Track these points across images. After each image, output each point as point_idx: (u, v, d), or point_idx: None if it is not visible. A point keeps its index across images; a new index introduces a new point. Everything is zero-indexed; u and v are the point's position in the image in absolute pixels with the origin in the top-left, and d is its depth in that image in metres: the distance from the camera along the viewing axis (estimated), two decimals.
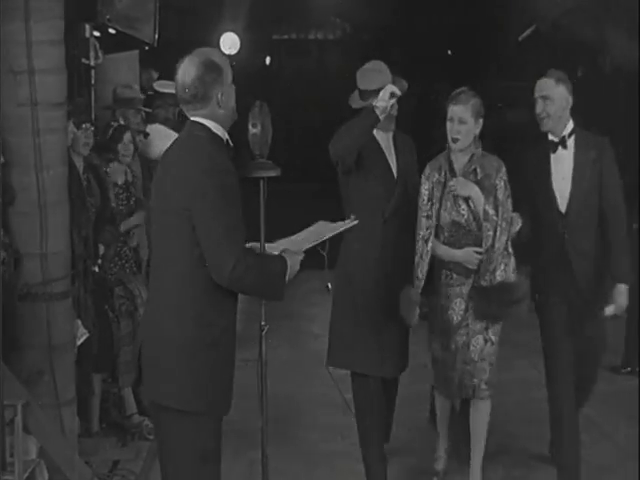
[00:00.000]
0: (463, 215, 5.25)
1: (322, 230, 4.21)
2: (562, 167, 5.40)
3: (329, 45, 20.67)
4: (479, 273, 5.21)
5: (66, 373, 5.49)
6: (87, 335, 5.81)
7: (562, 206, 5.40)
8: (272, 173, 4.04)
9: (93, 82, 7.14)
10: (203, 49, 3.86)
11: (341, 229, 4.29)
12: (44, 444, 5.11)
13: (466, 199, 5.21)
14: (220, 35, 14.42)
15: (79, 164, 6.09)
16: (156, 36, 7.66)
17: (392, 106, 5.27)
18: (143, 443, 6.14)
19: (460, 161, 5.30)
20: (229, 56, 13.75)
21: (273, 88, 17.55)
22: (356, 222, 4.50)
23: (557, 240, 5.41)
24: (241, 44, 14.34)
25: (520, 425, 6.45)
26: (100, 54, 7.10)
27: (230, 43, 14.32)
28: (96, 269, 6.15)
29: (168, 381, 3.78)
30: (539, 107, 5.39)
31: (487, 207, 5.16)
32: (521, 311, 5.23)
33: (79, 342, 5.73)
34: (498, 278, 5.18)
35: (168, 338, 3.78)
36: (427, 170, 5.34)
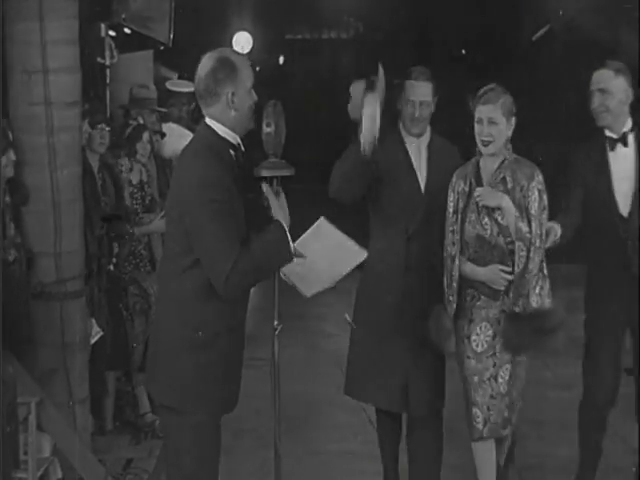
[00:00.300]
0: (487, 229, 4.70)
1: (331, 257, 4.14)
2: (623, 166, 4.93)
3: (342, 45, 20.64)
4: (511, 297, 4.66)
5: (80, 371, 5.51)
6: (101, 334, 5.82)
7: (624, 209, 4.95)
8: (286, 172, 4.00)
9: (108, 81, 7.16)
10: (225, 48, 3.92)
11: (353, 265, 4.21)
12: (58, 442, 5.13)
13: (492, 211, 4.67)
14: (233, 34, 14.45)
15: (94, 163, 6.11)
16: (171, 36, 7.67)
17: (421, 105, 4.92)
18: (156, 441, 6.15)
19: (489, 168, 4.76)
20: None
21: (286, 87, 17.55)
22: (365, 256, 4.23)
23: (618, 247, 4.93)
24: (254, 43, 14.37)
25: (531, 426, 6.42)
26: (115, 53, 7.12)
27: (243, 42, 14.35)
28: (111, 268, 6.17)
29: (163, 379, 3.86)
30: (596, 100, 4.91)
31: (520, 223, 4.60)
32: (556, 342, 4.69)
33: (93, 341, 5.75)
34: (533, 304, 4.64)
35: (164, 338, 3.86)
36: (454, 179, 4.81)
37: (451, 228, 4.75)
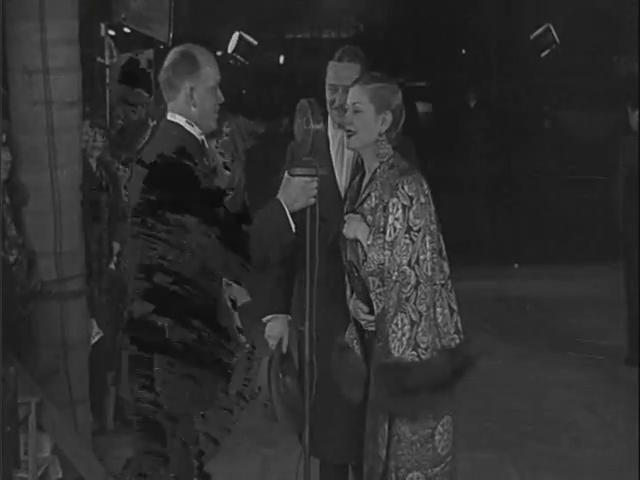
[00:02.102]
0: (356, 253, 3.81)
1: None
2: None
3: (343, 44, 20.62)
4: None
5: (80, 371, 5.51)
6: (101, 335, 5.83)
7: None
8: (322, 171, 3.83)
9: (108, 81, 7.17)
10: (192, 44, 3.84)
11: None
12: (58, 442, 5.13)
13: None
14: (233, 33, 14.47)
15: (92, 163, 6.11)
16: (171, 35, 7.68)
17: (344, 91, 4.03)
18: None
19: (367, 177, 3.88)
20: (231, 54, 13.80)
21: (287, 87, 17.57)
22: None
23: None
24: (257, 43, 14.38)
25: (532, 426, 6.43)
26: (115, 53, 7.13)
27: (231, 42, 14.35)
28: (112, 267, 6.17)
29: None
30: None
31: (372, 253, 3.69)
32: (419, 405, 3.66)
33: (93, 341, 5.75)
34: (394, 352, 3.64)
35: None
36: None
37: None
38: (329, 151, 4.22)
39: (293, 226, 3.70)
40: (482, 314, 8.81)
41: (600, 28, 11.94)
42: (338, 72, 4.19)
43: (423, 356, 3.62)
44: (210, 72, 3.76)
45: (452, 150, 13.70)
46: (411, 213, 3.65)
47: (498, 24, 14.51)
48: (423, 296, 3.64)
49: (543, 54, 13.37)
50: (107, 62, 7.10)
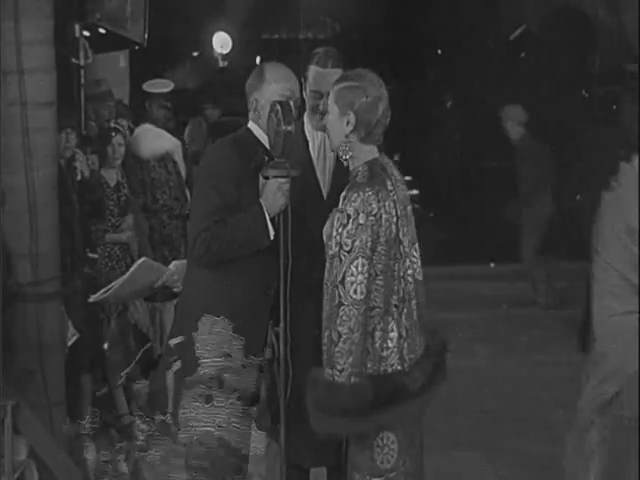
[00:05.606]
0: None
1: None
2: None
3: (319, 44, 20.61)
4: None
5: (56, 373, 5.48)
6: (77, 336, 5.80)
7: None
8: (294, 173, 3.87)
9: (83, 82, 7.14)
10: (276, 62, 4.12)
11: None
12: (34, 444, 5.10)
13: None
14: (211, 34, 14.46)
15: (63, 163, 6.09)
16: (146, 35, 7.66)
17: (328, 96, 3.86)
18: (133, 443, 6.13)
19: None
20: (221, 54, 13.79)
21: None
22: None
23: None
24: (232, 43, 14.37)
25: (512, 424, 6.45)
26: (90, 54, 7.10)
27: (222, 42, 14.34)
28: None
29: None
30: None
31: (329, 260, 3.64)
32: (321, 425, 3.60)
33: (69, 343, 5.73)
34: (327, 369, 3.56)
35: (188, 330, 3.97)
36: None
37: None
38: (308, 151, 4.18)
39: (272, 232, 3.79)
40: (458, 313, 8.85)
41: (575, 28, 12.00)
42: (323, 79, 4.09)
43: (337, 378, 3.51)
44: (275, 88, 3.94)
45: (428, 149, 13.75)
46: (345, 232, 3.52)
47: (475, 24, 14.57)
48: (346, 318, 3.50)
49: (521, 55, 13.45)
50: (82, 63, 7.07)
